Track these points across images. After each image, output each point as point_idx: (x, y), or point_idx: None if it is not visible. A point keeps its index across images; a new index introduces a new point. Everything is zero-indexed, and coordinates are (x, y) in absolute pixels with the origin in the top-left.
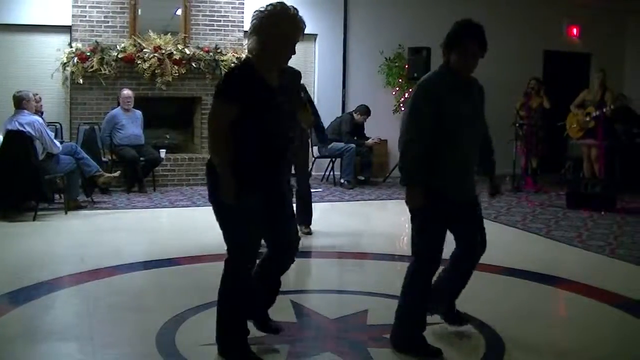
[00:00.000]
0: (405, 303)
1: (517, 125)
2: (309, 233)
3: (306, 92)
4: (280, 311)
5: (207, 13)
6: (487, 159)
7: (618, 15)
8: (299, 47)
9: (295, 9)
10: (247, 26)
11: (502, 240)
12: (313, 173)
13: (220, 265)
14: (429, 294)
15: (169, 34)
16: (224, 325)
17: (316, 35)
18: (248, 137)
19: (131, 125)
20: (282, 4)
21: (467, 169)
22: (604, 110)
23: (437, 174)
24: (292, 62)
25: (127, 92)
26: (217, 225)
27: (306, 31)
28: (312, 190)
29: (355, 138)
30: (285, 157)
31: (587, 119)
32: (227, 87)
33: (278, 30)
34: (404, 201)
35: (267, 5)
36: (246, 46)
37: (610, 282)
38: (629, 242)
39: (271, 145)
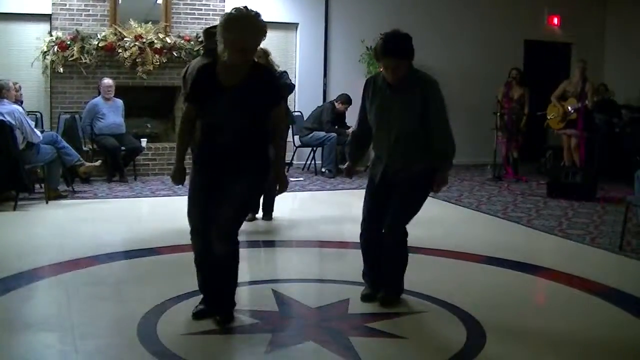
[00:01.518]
0: None
1: (498, 114)
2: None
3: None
4: (261, 300)
5: (188, 2)
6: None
7: (598, 5)
8: (280, 36)
9: (256, 13)
10: None
11: (483, 229)
12: (294, 162)
13: None
14: (364, 251)
15: (150, 22)
16: None
17: (297, 24)
18: (200, 127)
19: (112, 115)
20: (242, 9)
21: (382, 151)
22: (586, 102)
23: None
24: (273, 51)
25: (107, 81)
26: None
27: (287, 20)
28: (292, 179)
29: (336, 127)
30: (227, 150)
31: (570, 110)
32: (190, 88)
33: (228, 35)
34: None
35: (232, 9)
36: None
37: (590, 271)
38: (608, 230)
39: (213, 138)
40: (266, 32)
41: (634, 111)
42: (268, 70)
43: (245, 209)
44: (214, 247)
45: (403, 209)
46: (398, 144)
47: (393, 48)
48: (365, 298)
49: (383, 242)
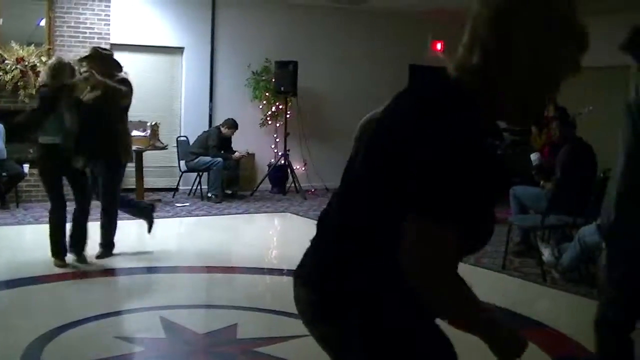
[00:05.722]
0: None
1: None
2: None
3: None
4: (148, 327)
5: (72, 25)
6: None
7: None
8: (165, 60)
9: None
10: (113, 38)
11: None
12: (180, 187)
13: (87, 283)
14: None
15: (33, 45)
16: None
17: (183, 48)
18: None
19: None
20: None
21: None
22: None
23: None
24: (156, 77)
25: None
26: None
27: (173, 44)
28: (178, 205)
29: (222, 152)
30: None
31: None
32: (450, 194)
33: (554, 17)
34: (270, 214)
35: None
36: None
37: (475, 291)
38: (492, 250)
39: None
40: None
41: (514, 134)
42: None
43: None
44: None
45: None
46: None
47: None
48: None
49: None
